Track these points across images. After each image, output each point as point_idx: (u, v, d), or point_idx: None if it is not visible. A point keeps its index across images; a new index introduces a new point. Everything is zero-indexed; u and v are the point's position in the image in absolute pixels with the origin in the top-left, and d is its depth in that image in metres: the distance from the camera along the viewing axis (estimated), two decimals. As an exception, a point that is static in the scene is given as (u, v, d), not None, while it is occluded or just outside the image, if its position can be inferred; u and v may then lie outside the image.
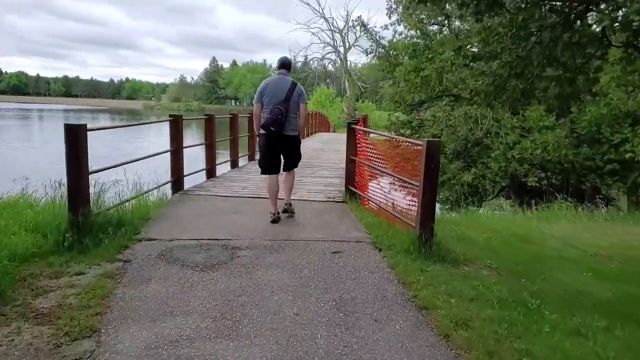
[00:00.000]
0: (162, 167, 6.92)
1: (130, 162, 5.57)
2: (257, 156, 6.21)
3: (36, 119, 64.40)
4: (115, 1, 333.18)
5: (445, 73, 11.10)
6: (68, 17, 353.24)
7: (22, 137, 37.27)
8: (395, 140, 5.04)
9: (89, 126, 4.49)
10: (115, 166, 5.21)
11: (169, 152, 6.76)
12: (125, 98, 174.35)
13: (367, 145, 6.31)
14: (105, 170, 5.04)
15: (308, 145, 15.82)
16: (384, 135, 6.36)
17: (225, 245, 4.46)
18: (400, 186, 5.69)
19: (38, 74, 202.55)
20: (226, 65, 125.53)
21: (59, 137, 4.34)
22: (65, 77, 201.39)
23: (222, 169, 9.08)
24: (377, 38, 15.56)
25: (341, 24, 49.07)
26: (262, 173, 5.58)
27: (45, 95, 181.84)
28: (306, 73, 71.08)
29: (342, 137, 27.17)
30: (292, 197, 5.89)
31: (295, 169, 5.79)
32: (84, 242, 4.16)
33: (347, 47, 48.46)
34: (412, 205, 5.08)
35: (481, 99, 6.76)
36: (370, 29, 15.49)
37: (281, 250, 4.41)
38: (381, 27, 15.39)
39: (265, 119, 5.22)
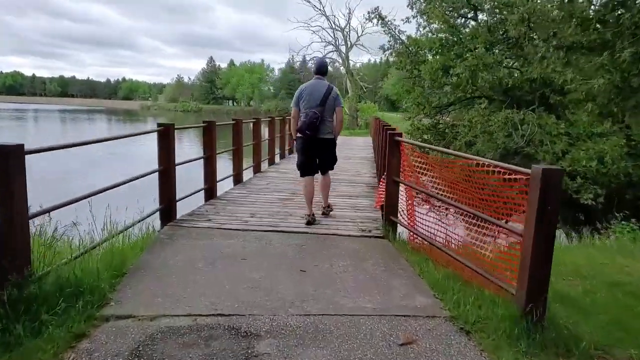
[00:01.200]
0: (149, 186, 5.41)
1: (98, 192, 4.04)
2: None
3: (28, 120, 62.70)
4: (112, 0, 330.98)
5: (480, 71, 9.61)
6: (64, 16, 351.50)
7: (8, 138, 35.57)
8: (481, 166, 3.50)
9: (73, 132, 3.00)
10: (75, 201, 3.67)
11: (157, 173, 5.23)
12: (122, 98, 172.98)
13: (421, 166, 4.80)
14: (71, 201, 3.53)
15: None
16: (453, 154, 4.71)
17: (234, 329, 2.93)
18: (469, 221, 4.18)
19: (34, 73, 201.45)
20: (224, 65, 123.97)
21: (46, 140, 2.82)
22: (62, 77, 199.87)
23: (224, 185, 7.57)
24: (397, 32, 14.06)
25: (343, 22, 47.43)
26: (301, 175, 5.74)
27: (41, 95, 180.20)
28: (305, 73, 69.68)
29: (351, 140, 26.04)
30: (319, 232, 5.19)
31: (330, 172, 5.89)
32: (14, 331, 2.65)
33: (349, 45, 46.83)
34: (502, 253, 3.59)
35: (598, 104, 5.20)
36: (389, 22, 13.96)
37: (319, 336, 2.89)
38: (402, 20, 13.80)
39: (301, 123, 5.36)
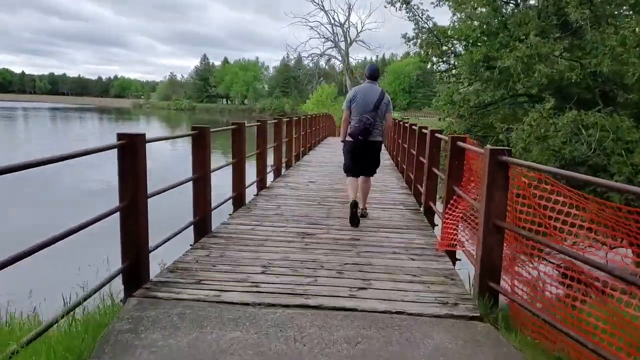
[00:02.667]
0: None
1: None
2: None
3: (14, 119, 60.20)
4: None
5: (536, 64, 7.79)
6: (54, 13, 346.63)
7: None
8: None
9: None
10: None
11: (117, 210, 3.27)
12: (114, 96, 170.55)
13: (546, 202, 2.90)
14: None
15: (327, 159, 12.53)
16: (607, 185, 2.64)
17: None
18: None
19: (23, 71, 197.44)
20: (217, 63, 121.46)
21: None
22: (52, 75, 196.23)
23: (223, 211, 5.62)
24: (424, 19, 12.11)
25: (342, 18, 45.27)
26: (349, 176, 5.77)
27: (30, 93, 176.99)
28: (302, 70, 67.29)
29: None
30: (377, 308, 3.31)
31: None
32: None
33: (348, 42, 45.01)
34: None
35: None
36: (416, 7, 12.00)
37: None
38: (432, 4, 11.89)
39: (353, 128, 5.36)
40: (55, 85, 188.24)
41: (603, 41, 8.04)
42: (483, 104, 10.94)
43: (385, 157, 13.10)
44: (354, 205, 5.32)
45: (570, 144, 8.07)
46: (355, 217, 5.29)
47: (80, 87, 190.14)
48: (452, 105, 11.13)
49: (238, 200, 6.10)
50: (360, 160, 5.56)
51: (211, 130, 4.77)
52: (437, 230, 5.39)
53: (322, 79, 49.06)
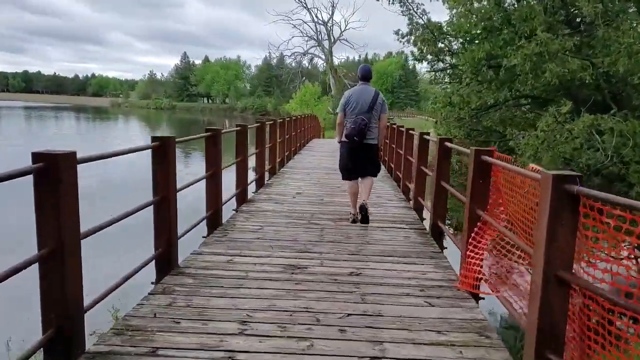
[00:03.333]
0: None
1: None
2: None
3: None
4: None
5: (546, 62, 7.06)
6: (28, 9, 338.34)
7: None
8: None
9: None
10: None
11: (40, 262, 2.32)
12: (91, 95, 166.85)
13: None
14: None
15: (313, 164, 11.61)
16: None
17: None
18: None
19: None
20: (198, 61, 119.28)
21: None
22: (26, 72, 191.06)
23: (192, 239, 4.65)
24: (419, 14, 11.21)
25: (325, 16, 44.25)
26: (343, 179, 5.88)
27: (3, 91, 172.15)
28: (285, 70, 66.00)
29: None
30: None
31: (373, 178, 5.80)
32: None
33: (332, 40, 44.14)
34: None
35: None
36: (409, 1, 11.10)
37: None
38: (427, -3, 11.10)
39: (349, 129, 5.39)
40: (29, 84, 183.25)
41: (618, 38, 7.34)
42: (485, 106, 10.01)
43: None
44: (355, 221, 5.64)
45: (581, 150, 7.34)
46: (366, 218, 5.58)
47: (56, 85, 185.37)
48: (451, 107, 10.30)
49: (213, 220, 5.17)
50: (358, 162, 5.58)
51: (177, 140, 3.85)
52: (449, 257, 4.57)
53: (304, 78, 48.04)
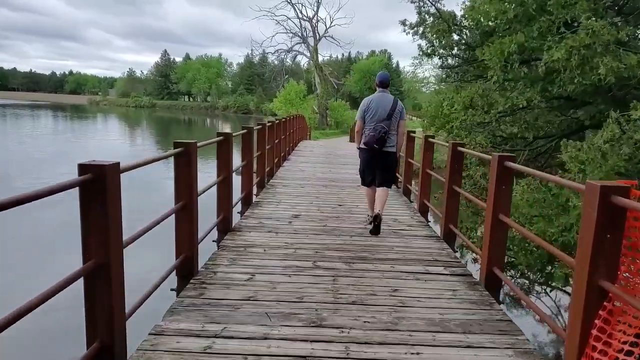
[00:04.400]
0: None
1: None
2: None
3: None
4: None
5: (598, 56, 5.85)
6: (3, 4, 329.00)
7: None
8: None
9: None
10: None
11: None
12: (69, 92, 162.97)
13: None
14: None
15: (307, 173, 10.20)
16: None
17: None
18: None
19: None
20: (179, 59, 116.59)
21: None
22: (1, 69, 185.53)
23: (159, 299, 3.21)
24: (431, 1, 9.72)
25: (310, 12, 42.76)
26: (362, 184, 5.83)
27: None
28: (268, 67, 64.10)
29: (333, 145, 20.92)
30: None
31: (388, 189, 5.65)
32: None
33: (317, 37, 42.65)
34: None
35: None
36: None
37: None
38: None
39: (369, 137, 5.38)
40: (4, 81, 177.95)
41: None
42: (513, 108, 8.31)
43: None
44: (371, 223, 5.54)
45: (632, 162, 6.07)
46: (378, 228, 5.41)
47: (33, 82, 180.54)
48: (472, 110, 8.84)
49: (185, 268, 3.69)
50: (376, 169, 5.59)
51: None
52: (523, 327, 3.20)
53: (287, 76, 46.55)
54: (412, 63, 31.74)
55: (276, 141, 9.76)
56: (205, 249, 4.29)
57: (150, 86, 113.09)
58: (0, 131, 40.43)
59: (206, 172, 9.02)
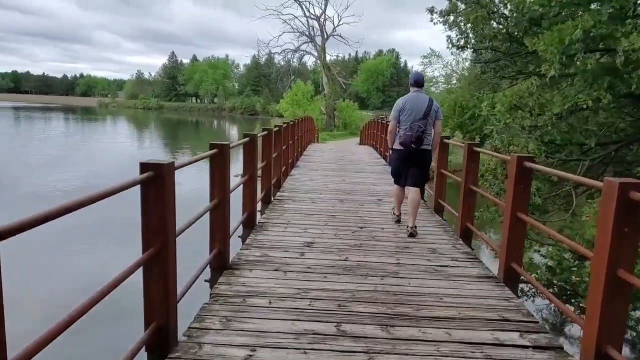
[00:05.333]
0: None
1: None
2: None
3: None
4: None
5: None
6: (16, 9, 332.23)
7: None
8: None
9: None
10: None
11: None
12: (80, 95, 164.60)
13: None
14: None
15: (318, 183, 9.05)
16: None
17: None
18: None
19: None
20: (186, 60, 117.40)
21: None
22: (14, 73, 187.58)
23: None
24: None
25: (318, 11, 42.50)
26: (395, 183, 5.86)
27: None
28: (274, 68, 63.99)
29: (342, 148, 19.48)
30: None
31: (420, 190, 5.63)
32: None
33: (325, 36, 42.56)
34: None
35: None
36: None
37: None
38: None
39: (405, 137, 5.36)
40: (18, 84, 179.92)
41: None
42: (571, 109, 7.05)
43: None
44: (398, 221, 5.83)
45: None
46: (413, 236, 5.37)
47: (45, 85, 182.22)
48: (521, 111, 7.75)
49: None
50: (410, 169, 5.54)
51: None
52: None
53: (294, 76, 46.34)
54: (422, 62, 31.50)
55: (284, 147, 8.72)
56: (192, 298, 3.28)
57: (158, 88, 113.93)
58: (13, 133, 41.10)
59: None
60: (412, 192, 5.54)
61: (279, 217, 6.07)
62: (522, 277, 4.05)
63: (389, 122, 5.67)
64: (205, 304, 3.35)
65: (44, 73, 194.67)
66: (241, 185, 5.22)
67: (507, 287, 3.94)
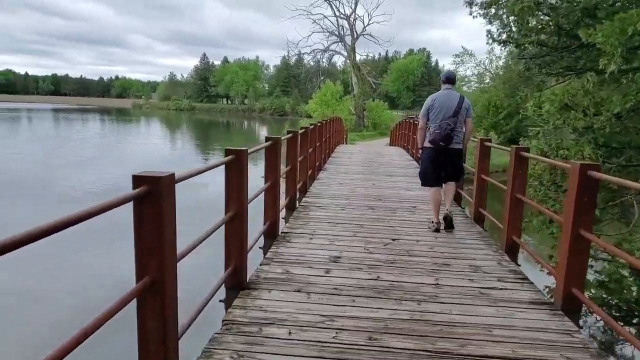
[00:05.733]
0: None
1: None
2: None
3: (18, 120, 57.74)
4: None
5: None
6: (56, 14, 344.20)
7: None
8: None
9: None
10: None
11: None
12: (115, 96, 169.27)
13: None
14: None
15: (346, 188, 8.33)
16: None
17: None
18: None
19: (27, 71, 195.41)
20: (217, 62, 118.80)
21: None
22: (54, 76, 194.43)
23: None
24: None
25: (348, 10, 41.65)
26: (424, 185, 5.70)
27: (33, 93, 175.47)
28: (303, 68, 63.68)
29: (370, 150, 18.36)
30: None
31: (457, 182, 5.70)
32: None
33: (355, 36, 41.99)
34: None
35: None
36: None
37: None
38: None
39: (434, 135, 5.29)
40: (57, 86, 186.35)
41: None
42: (634, 108, 6.37)
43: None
44: (436, 230, 5.44)
45: None
46: (451, 225, 5.40)
47: (83, 87, 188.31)
48: (573, 112, 6.97)
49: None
50: (442, 167, 5.47)
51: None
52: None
53: (323, 77, 45.89)
54: (454, 61, 30.49)
55: (310, 150, 8.24)
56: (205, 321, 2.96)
57: (190, 89, 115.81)
58: (53, 135, 42.14)
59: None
60: (448, 185, 5.53)
61: (303, 227, 5.54)
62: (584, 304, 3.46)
63: (419, 119, 5.61)
64: (216, 333, 2.88)
65: (81, 76, 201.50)
66: (262, 192, 4.78)
67: (566, 316, 3.34)
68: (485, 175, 6.19)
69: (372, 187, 8.58)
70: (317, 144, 9.62)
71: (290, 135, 6.30)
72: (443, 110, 5.26)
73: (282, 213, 5.70)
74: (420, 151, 5.82)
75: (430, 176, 5.54)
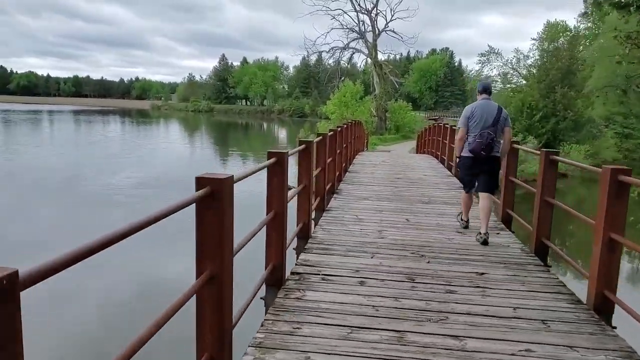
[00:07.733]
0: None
1: None
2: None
3: (40, 121, 59.14)
4: (124, 0, 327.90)
5: None
6: (78, 16, 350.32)
7: None
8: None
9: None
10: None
11: None
12: (135, 98, 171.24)
13: None
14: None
15: (367, 205, 6.99)
16: None
17: None
18: None
19: (48, 73, 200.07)
20: (236, 63, 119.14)
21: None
22: (76, 77, 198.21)
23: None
24: None
25: (369, 5, 40.08)
26: (465, 190, 5.83)
27: (55, 95, 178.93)
28: (322, 68, 62.46)
29: (404, 158, 16.63)
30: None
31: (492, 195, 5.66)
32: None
33: (376, 32, 39.55)
34: None
35: None
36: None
37: None
38: None
39: (475, 144, 5.40)
40: (79, 88, 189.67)
41: None
42: None
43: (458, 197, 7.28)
44: (466, 227, 5.86)
45: None
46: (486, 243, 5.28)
47: (103, 89, 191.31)
48: (622, 93, 6.38)
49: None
50: (480, 175, 5.57)
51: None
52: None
53: (343, 77, 43.86)
54: (479, 60, 29.75)
55: (329, 160, 6.92)
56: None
57: (209, 90, 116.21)
58: (74, 138, 43.02)
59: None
60: (483, 198, 5.54)
61: (320, 262, 4.33)
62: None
63: (458, 128, 5.70)
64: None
65: (102, 77, 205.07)
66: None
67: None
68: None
69: (406, 226, 5.88)
70: (338, 151, 8.10)
71: (303, 146, 4.93)
72: (483, 120, 5.38)
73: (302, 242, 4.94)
74: (457, 160, 5.97)
75: (469, 182, 5.73)
